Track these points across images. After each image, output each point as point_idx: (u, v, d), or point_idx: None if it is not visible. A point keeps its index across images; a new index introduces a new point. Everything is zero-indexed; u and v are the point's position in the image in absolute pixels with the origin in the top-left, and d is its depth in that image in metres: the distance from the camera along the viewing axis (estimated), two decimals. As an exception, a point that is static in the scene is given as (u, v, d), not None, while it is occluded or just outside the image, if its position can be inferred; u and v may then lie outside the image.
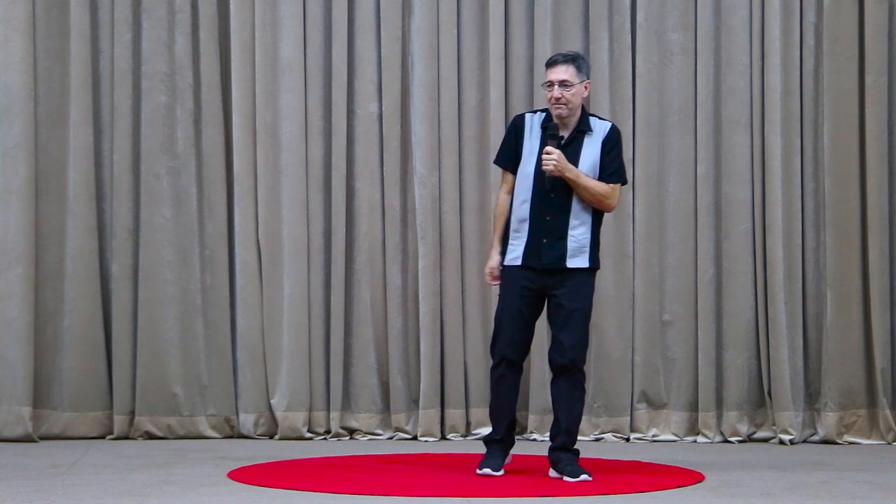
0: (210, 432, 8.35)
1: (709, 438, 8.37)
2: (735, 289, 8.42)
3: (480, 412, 8.23)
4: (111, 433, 8.31)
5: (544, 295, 6.69)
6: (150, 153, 8.37)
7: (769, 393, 8.37)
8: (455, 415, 8.40)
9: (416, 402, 8.40)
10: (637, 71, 8.48)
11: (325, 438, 8.38)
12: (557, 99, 6.63)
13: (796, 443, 8.31)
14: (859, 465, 7.35)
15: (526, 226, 6.66)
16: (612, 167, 6.68)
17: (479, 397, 8.27)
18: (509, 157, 6.78)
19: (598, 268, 6.76)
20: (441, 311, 8.41)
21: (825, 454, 7.87)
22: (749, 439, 8.41)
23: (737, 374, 8.42)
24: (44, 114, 8.31)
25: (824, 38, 8.42)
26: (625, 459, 7.49)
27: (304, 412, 8.36)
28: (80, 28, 8.29)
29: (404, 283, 8.47)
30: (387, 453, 7.68)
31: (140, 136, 8.38)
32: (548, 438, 6.85)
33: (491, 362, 6.79)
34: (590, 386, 8.28)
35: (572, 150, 6.64)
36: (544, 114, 6.75)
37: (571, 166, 6.58)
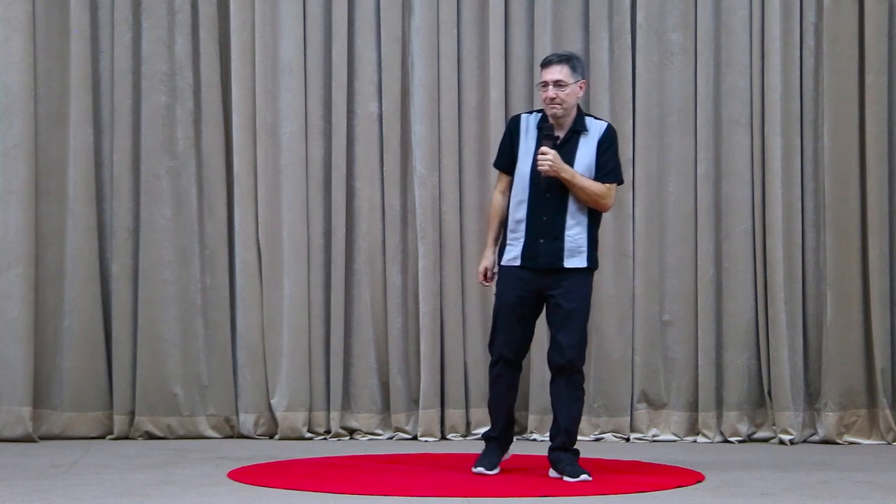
0: (210, 432, 8.35)
1: (709, 438, 8.37)
2: (735, 289, 8.42)
3: (480, 412, 8.22)
4: (111, 433, 8.31)
5: (542, 295, 6.70)
6: (150, 153, 8.37)
7: (769, 393, 8.37)
8: (455, 415, 8.40)
9: (416, 402, 8.40)
10: (637, 71, 8.48)
11: (325, 438, 8.38)
12: (552, 99, 6.65)
13: (796, 443, 8.31)
14: (859, 465, 7.35)
15: (523, 226, 6.67)
16: (607, 167, 6.69)
17: (479, 397, 8.27)
18: (505, 159, 6.81)
19: (596, 267, 6.76)
20: (441, 311, 8.41)
21: (825, 454, 7.87)
22: (749, 439, 8.41)
23: (737, 374, 8.42)
24: (44, 114, 8.31)
25: (824, 38, 8.42)
26: (625, 459, 7.49)
27: (304, 412, 8.36)
28: (80, 28, 8.29)
29: (404, 283, 8.47)
30: (387, 453, 7.68)
31: (140, 136, 8.38)
32: (548, 438, 6.86)
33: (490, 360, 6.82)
34: (590, 386, 8.28)
35: (568, 150, 6.65)
36: (540, 114, 6.77)
37: (567, 166, 6.59)
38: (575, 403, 6.68)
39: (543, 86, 6.67)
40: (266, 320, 8.39)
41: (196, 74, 8.42)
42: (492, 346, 6.79)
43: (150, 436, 8.29)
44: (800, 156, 8.46)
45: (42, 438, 8.19)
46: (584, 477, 6.53)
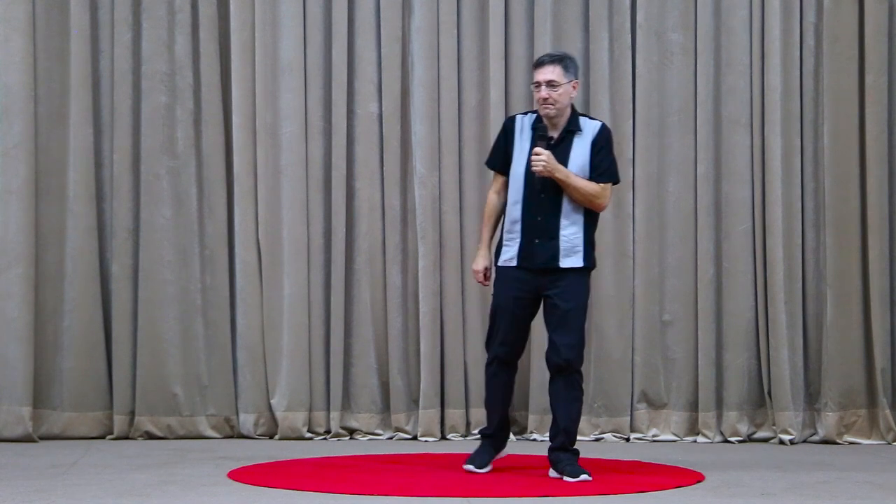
0: (210, 432, 8.35)
1: (709, 438, 8.37)
2: (735, 289, 8.42)
3: (480, 412, 8.19)
4: (111, 433, 8.31)
5: (539, 295, 6.72)
6: (150, 153, 8.37)
7: (769, 393, 8.36)
8: (455, 415, 8.40)
9: (416, 402, 8.41)
10: (637, 71, 8.48)
11: (325, 438, 8.37)
12: (545, 99, 6.67)
13: (796, 443, 8.31)
14: (859, 465, 7.35)
15: (518, 227, 6.69)
16: (602, 167, 6.70)
17: (479, 397, 8.25)
18: (498, 159, 6.84)
19: (593, 267, 6.77)
20: (441, 311, 8.41)
21: (825, 454, 7.87)
22: (749, 439, 8.41)
23: (737, 374, 8.41)
24: (44, 114, 8.31)
25: (824, 38, 8.42)
26: (625, 459, 7.49)
27: (304, 412, 8.36)
28: (80, 28, 8.29)
29: (404, 283, 8.47)
30: (387, 453, 7.68)
31: (140, 136, 8.38)
32: (547, 439, 6.86)
33: (489, 360, 6.85)
34: (590, 386, 8.28)
35: (562, 151, 6.66)
36: (535, 115, 6.78)
37: (560, 167, 6.61)
38: (574, 403, 6.69)
39: (536, 86, 6.70)
40: (266, 320, 8.39)
41: (196, 74, 8.42)
42: (488, 345, 6.82)
43: (150, 436, 8.29)
44: (800, 156, 8.46)
45: (42, 438, 8.19)
46: (584, 477, 6.53)
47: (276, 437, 8.34)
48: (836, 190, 8.40)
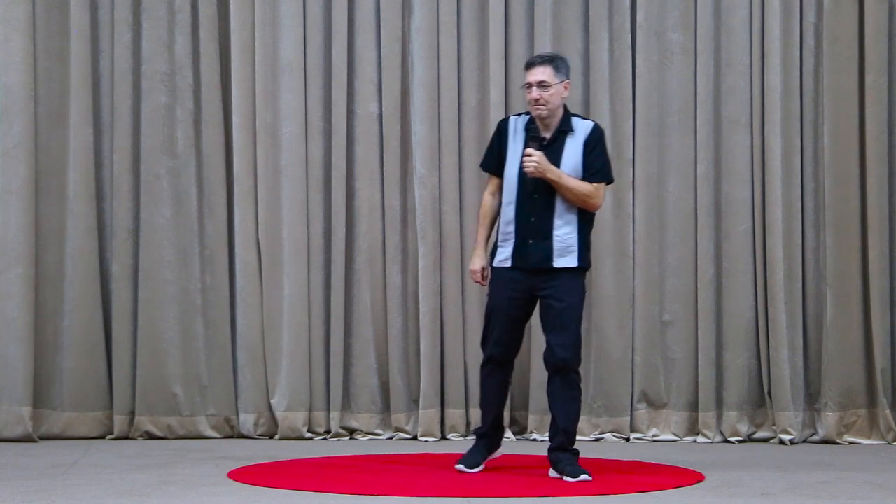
0: (210, 432, 8.35)
1: (709, 438, 8.37)
2: (735, 289, 8.42)
3: (480, 412, 8.22)
4: (111, 433, 8.31)
5: (534, 296, 6.73)
6: (150, 153, 8.37)
7: (769, 393, 8.36)
8: (455, 415, 8.40)
9: (416, 402, 8.41)
10: (637, 71, 8.48)
11: (325, 438, 8.37)
12: (536, 100, 6.68)
13: (796, 443, 8.31)
14: (859, 465, 7.35)
15: (512, 227, 6.71)
16: (595, 166, 6.70)
17: (479, 397, 8.26)
18: (492, 161, 6.85)
19: (588, 267, 6.77)
20: (441, 311, 8.41)
21: (825, 454, 7.87)
22: (749, 439, 8.41)
23: (737, 374, 8.41)
24: (44, 114, 8.31)
25: (824, 38, 8.42)
26: (625, 459, 7.49)
27: (304, 412, 8.36)
28: (80, 28, 8.29)
29: (404, 283, 8.47)
30: (387, 453, 7.68)
31: (140, 136, 8.38)
32: (547, 439, 6.86)
33: (487, 359, 6.85)
34: (590, 386, 8.28)
35: (554, 151, 6.67)
36: (528, 116, 6.79)
37: (553, 167, 6.61)
38: (572, 403, 6.69)
39: (527, 87, 6.71)
40: (266, 320, 8.39)
41: (196, 74, 8.42)
42: (483, 345, 6.85)
43: (150, 436, 8.29)
44: (800, 156, 8.46)
45: (42, 438, 8.19)
46: (583, 477, 6.53)
47: (276, 437, 8.34)
48: (836, 190, 8.39)
